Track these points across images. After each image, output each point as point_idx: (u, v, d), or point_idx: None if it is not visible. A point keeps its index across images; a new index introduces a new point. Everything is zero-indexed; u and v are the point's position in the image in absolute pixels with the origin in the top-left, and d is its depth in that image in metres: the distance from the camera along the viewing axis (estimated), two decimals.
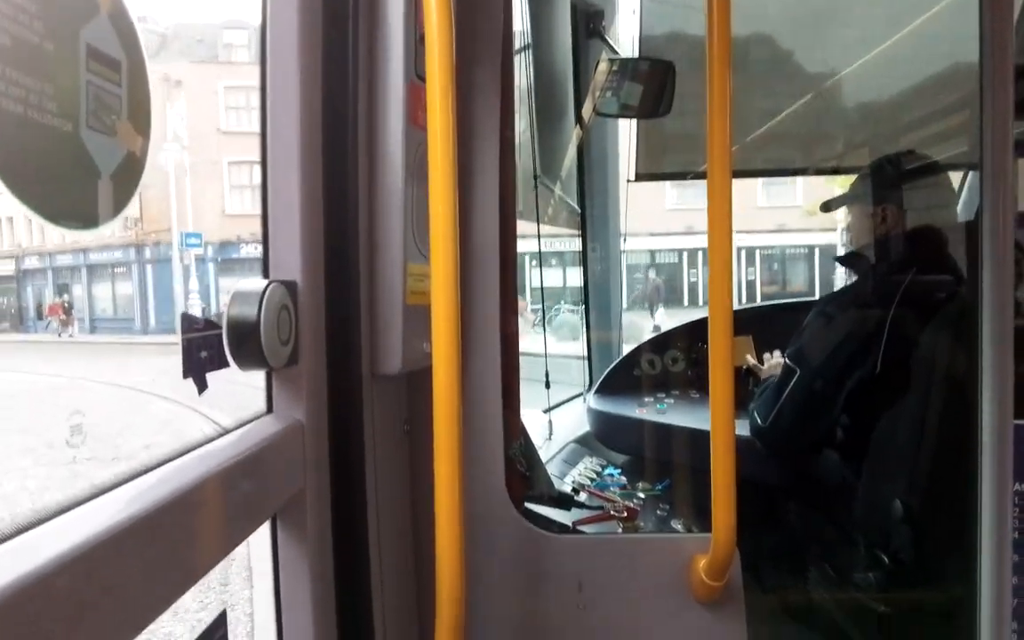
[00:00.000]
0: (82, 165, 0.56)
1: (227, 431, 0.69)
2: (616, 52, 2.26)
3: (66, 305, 9.04)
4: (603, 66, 1.78)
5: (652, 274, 16.97)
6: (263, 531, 0.72)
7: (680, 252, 17.86)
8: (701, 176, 0.80)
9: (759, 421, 1.71)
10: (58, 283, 9.26)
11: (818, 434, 1.71)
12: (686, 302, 16.94)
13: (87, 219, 0.57)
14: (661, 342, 2.31)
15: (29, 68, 0.49)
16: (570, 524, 1.20)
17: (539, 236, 1.91)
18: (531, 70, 1.79)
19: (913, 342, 1.51)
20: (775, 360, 2.02)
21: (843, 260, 1.95)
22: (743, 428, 1.73)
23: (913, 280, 1.61)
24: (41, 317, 9.25)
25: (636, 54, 2.08)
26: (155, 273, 8.64)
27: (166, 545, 0.54)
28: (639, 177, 2.46)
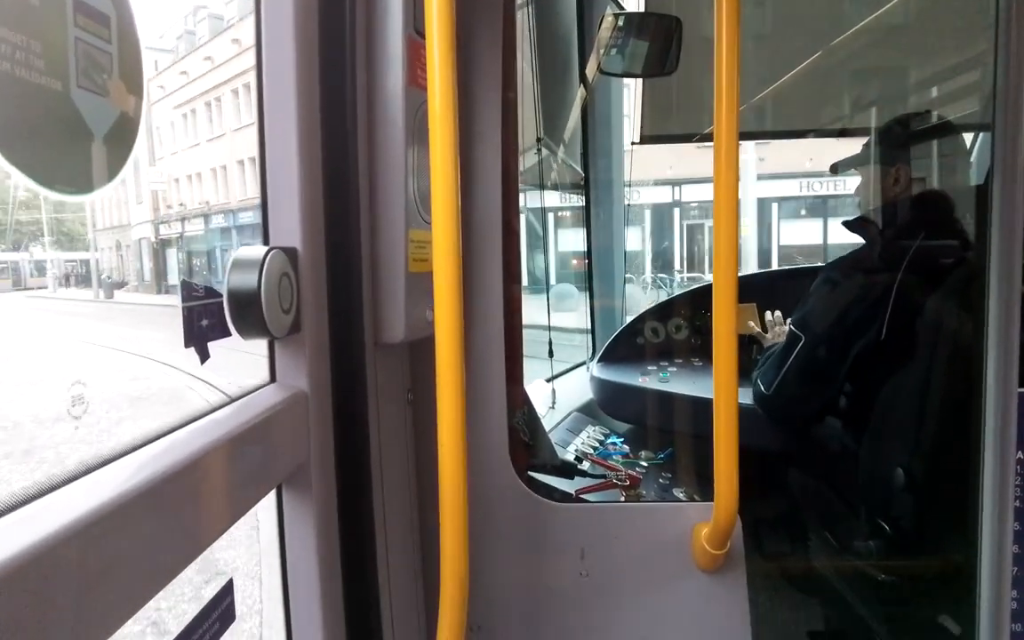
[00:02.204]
0: (74, 127, 0.54)
1: (231, 400, 0.68)
2: (621, 7, 2.19)
3: None
4: (607, 21, 1.71)
5: None
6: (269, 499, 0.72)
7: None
8: (708, 138, 0.78)
9: (763, 389, 1.70)
10: (243, 243, 8.80)
11: (822, 402, 1.71)
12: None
13: (81, 184, 0.56)
14: (664, 310, 2.30)
15: (13, 23, 0.47)
16: (573, 492, 1.20)
17: (543, 199, 1.88)
18: (534, 26, 1.73)
19: (919, 309, 1.49)
20: (778, 328, 2.00)
21: (850, 225, 1.92)
22: (745, 396, 1.72)
23: (920, 245, 1.58)
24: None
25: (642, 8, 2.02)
26: None
27: (171, 515, 0.53)
28: (644, 140, 2.41)
